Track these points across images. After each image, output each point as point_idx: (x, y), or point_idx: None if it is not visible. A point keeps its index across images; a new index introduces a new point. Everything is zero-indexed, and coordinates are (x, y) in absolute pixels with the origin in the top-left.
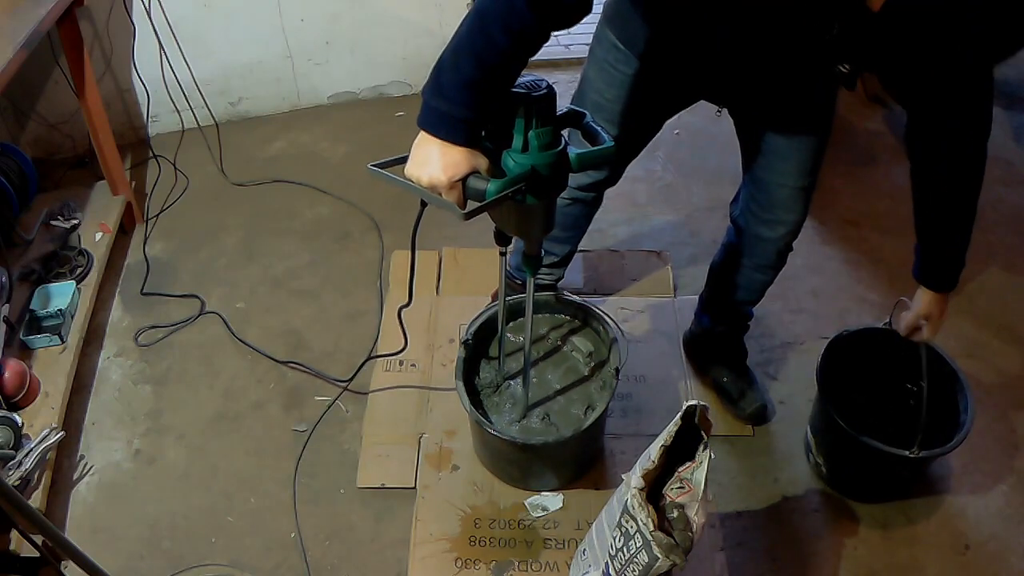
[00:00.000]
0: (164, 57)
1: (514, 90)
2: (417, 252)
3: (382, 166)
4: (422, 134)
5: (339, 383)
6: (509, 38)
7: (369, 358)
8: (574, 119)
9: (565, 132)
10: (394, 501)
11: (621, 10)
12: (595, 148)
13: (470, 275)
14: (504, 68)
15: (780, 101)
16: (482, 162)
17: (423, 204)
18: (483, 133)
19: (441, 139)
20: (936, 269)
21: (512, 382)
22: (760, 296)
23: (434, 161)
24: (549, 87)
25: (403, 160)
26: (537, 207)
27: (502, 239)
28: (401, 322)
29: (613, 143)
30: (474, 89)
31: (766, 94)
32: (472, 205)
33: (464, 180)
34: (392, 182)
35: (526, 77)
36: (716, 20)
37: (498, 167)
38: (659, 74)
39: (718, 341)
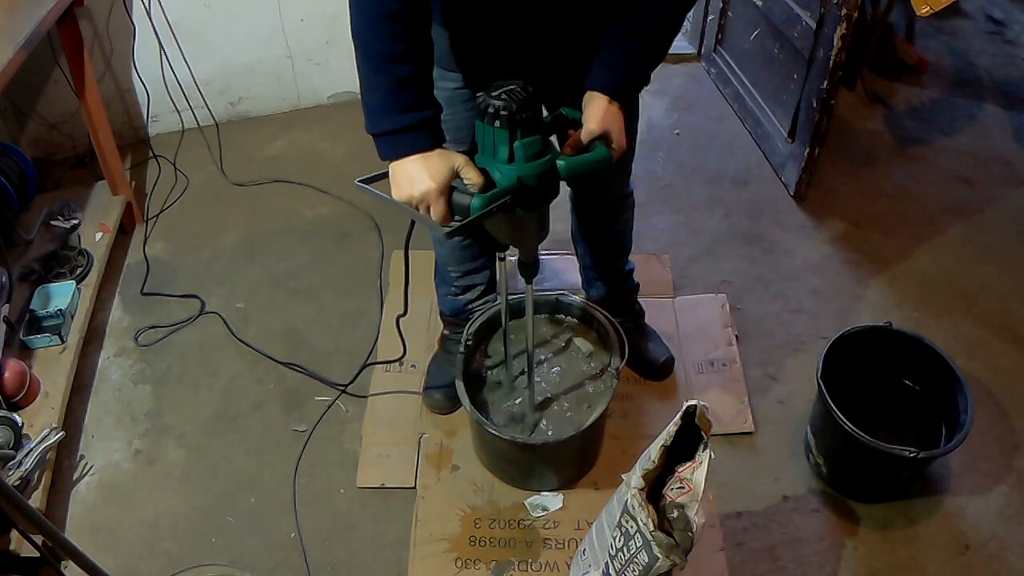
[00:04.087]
0: (164, 57)
1: (496, 100)
2: (415, 252)
3: (368, 181)
4: (392, 164)
5: (338, 386)
6: (389, 22)
7: (366, 365)
8: (561, 125)
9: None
10: (394, 501)
11: None
12: (585, 155)
13: None
14: (407, 53)
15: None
16: (458, 159)
17: (408, 233)
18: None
19: (410, 155)
20: (623, 79)
21: (514, 383)
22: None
23: (416, 177)
24: (531, 93)
25: (387, 175)
26: (529, 217)
27: (501, 244)
28: (400, 331)
29: (607, 150)
30: (401, 90)
31: (575, 73)
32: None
33: (450, 194)
34: (379, 199)
35: (508, 85)
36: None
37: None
38: (475, 78)
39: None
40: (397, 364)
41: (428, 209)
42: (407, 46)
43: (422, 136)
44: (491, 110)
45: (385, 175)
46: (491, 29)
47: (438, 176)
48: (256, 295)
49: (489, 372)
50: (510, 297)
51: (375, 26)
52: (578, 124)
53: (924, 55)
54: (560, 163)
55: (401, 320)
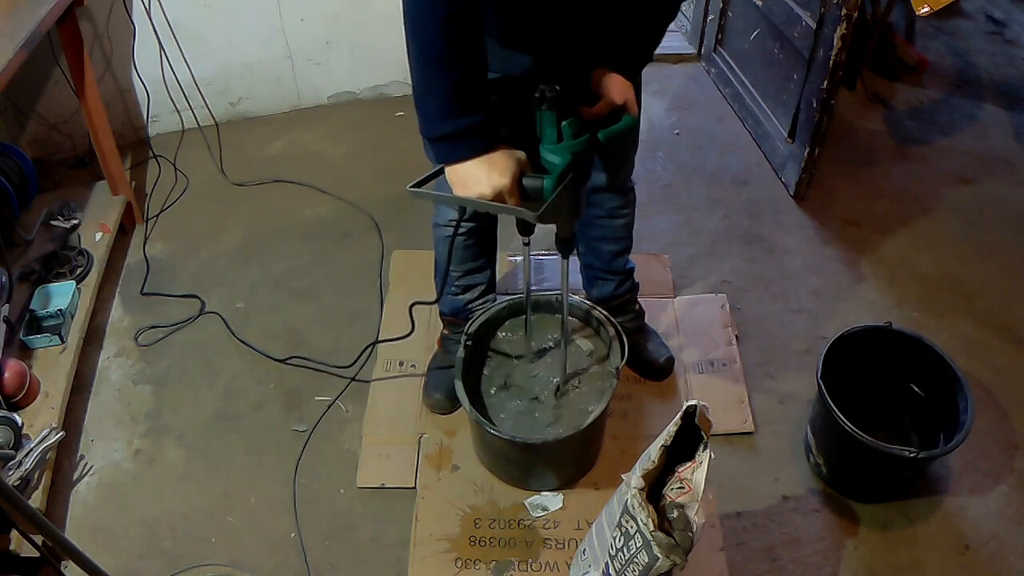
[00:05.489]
0: (164, 57)
1: (540, 84)
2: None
3: (419, 184)
4: (450, 168)
5: (341, 372)
6: (446, 25)
7: (375, 343)
8: (583, 99)
9: None
10: (394, 501)
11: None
12: (616, 124)
13: None
14: (465, 55)
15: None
16: (521, 154)
17: (455, 228)
18: (501, 133)
19: (469, 158)
20: (635, 60)
21: (514, 382)
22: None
23: (484, 174)
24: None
25: (438, 174)
26: (571, 193)
27: (525, 229)
28: (411, 314)
29: (631, 117)
30: (457, 92)
31: (588, 62)
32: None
33: (520, 181)
34: (443, 200)
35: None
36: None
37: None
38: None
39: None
40: (398, 364)
41: (502, 201)
42: (464, 49)
43: (480, 139)
44: (537, 95)
45: (434, 176)
46: (534, 24)
47: (507, 173)
48: (256, 295)
49: (489, 372)
50: (510, 298)
51: (433, 30)
52: (589, 101)
53: (924, 55)
54: (600, 135)
55: (414, 307)
